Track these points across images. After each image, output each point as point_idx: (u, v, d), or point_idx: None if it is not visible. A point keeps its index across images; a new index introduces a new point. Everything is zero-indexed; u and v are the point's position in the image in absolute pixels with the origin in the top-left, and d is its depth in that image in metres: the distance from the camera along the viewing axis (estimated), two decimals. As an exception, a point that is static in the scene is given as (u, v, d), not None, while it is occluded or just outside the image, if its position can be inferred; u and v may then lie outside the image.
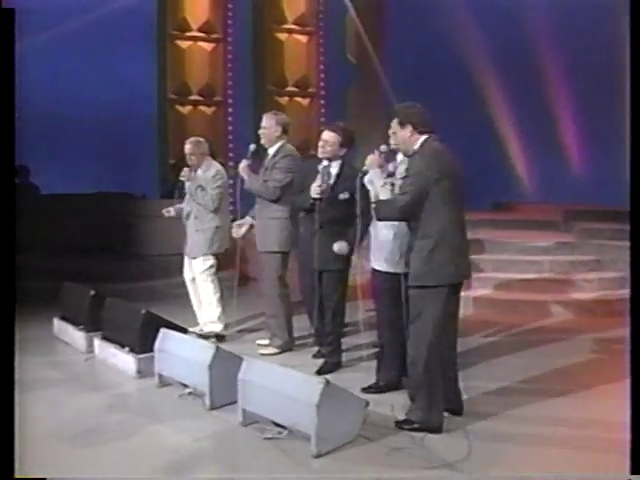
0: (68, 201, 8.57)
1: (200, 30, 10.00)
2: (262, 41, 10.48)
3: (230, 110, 10.62)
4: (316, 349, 4.91)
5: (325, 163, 4.48)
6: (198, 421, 3.72)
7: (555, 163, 10.08)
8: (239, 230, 5.19)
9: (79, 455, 3.32)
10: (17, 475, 2.73)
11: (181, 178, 5.45)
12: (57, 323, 5.51)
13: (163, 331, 4.29)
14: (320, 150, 4.47)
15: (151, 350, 4.38)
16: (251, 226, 5.14)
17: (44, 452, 3.30)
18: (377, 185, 3.58)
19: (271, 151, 4.97)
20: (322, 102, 10.95)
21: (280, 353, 4.96)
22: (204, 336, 5.08)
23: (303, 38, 10.57)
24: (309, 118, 10.82)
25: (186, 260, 5.56)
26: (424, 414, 3.44)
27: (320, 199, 4.36)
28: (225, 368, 3.81)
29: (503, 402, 3.89)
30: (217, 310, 5.41)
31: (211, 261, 5.38)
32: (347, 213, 4.17)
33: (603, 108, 9.45)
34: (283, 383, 3.35)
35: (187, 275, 5.58)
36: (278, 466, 3.16)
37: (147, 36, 9.88)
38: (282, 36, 10.47)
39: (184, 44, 9.95)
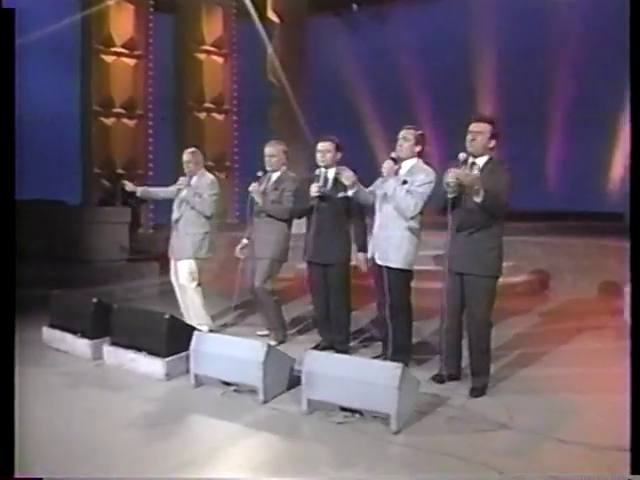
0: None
1: (124, 46, 9.30)
2: (182, 59, 10.02)
3: (150, 123, 10.03)
4: (305, 338, 4.93)
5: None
6: (258, 414, 3.48)
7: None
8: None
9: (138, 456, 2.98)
10: (17, 475, 2.48)
11: (178, 186, 5.09)
12: (47, 331, 4.82)
13: (197, 333, 3.98)
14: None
15: (176, 353, 4.07)
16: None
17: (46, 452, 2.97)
18: (397, 191, 3.90)
19: (274, 175, 4.83)
20: (235, 118, 10.76)
21: (279, 345, 4.84)
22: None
23: (220, 59, 10.28)
24: (224, 132, 10.55)
25: (172, 264, 5.21)
26: None
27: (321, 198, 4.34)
28: (275, 364, 3.67)
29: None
30: (203, 313, 5.16)
31: (194, 266, 5.08)
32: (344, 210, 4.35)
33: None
34: (356, 371, 3.28)
35: (174, 278, 5.23)
36: (361, 444, 3.08)
37: (73, 50, 8.95)
38: (201, 56, 10.09)
39: (109, 58, 9.19)
